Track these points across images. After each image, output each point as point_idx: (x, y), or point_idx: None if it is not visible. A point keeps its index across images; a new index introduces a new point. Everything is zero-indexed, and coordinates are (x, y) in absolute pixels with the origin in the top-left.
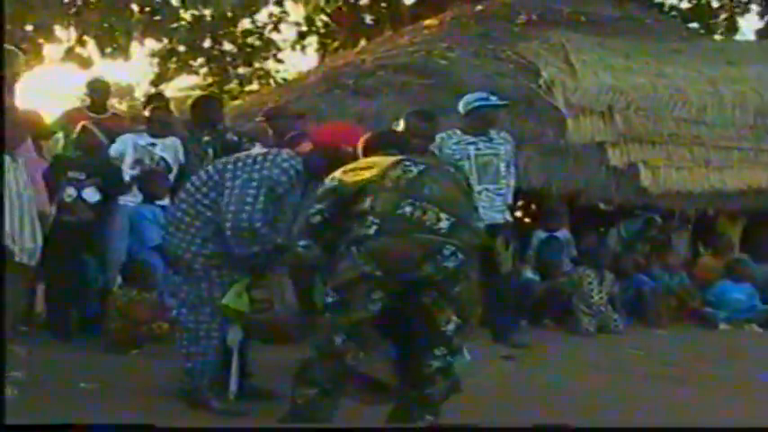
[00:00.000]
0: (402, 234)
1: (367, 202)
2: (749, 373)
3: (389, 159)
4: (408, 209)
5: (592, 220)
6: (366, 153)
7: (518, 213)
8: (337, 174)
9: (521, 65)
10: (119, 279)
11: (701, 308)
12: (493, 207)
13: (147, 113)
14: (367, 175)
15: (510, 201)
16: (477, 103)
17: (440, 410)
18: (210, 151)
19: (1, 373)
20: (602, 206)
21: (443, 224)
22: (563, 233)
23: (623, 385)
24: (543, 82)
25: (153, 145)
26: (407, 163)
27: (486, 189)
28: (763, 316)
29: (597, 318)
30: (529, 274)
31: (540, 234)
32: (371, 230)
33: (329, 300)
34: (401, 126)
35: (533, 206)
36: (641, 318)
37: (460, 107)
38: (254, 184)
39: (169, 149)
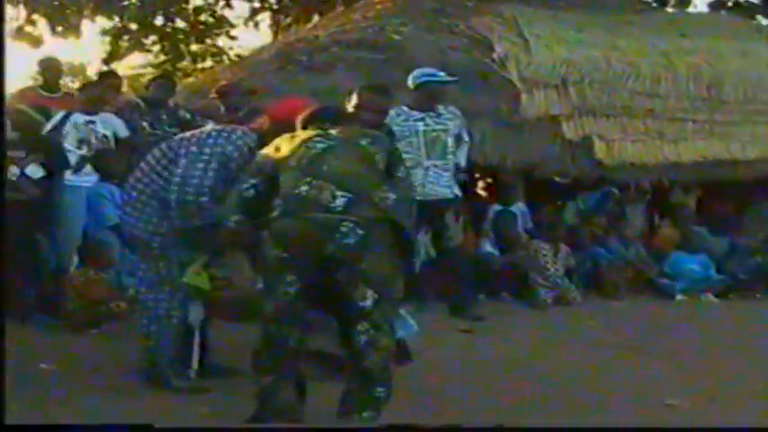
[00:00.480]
0: (298, 215)
1: (279, 181)
2: (704, 343)
3: (303, 135)
4: (304, 188)
5: (549, 193)
6: (304, 128)
7: (474, 188)
8: (267, 149)
9: (474, 39)
10: (76, 259)
11: (658, 279)
12: (440, 182)
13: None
14: (283, 152)
15: (463, 165)
16: (424, 79)
17: (389, 381)
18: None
19: (1, 373)
20: (557, 179)
21: (339, 201)
22: (518, 207)
23: (580, 356)
24: (497, 56)
25: (92, 122)
26: (317, 139)
27: (435, 165)
28: (719, 286)
29: (554, 290)
30: (487, 247)
31: (496, 208)
32: (277, 212)
33: (258, 286)
34: (354, 100)
35: (489, 180)
36: (598, 289)
37: (409, 82)
38: (205, 158)
39: (107, 125)
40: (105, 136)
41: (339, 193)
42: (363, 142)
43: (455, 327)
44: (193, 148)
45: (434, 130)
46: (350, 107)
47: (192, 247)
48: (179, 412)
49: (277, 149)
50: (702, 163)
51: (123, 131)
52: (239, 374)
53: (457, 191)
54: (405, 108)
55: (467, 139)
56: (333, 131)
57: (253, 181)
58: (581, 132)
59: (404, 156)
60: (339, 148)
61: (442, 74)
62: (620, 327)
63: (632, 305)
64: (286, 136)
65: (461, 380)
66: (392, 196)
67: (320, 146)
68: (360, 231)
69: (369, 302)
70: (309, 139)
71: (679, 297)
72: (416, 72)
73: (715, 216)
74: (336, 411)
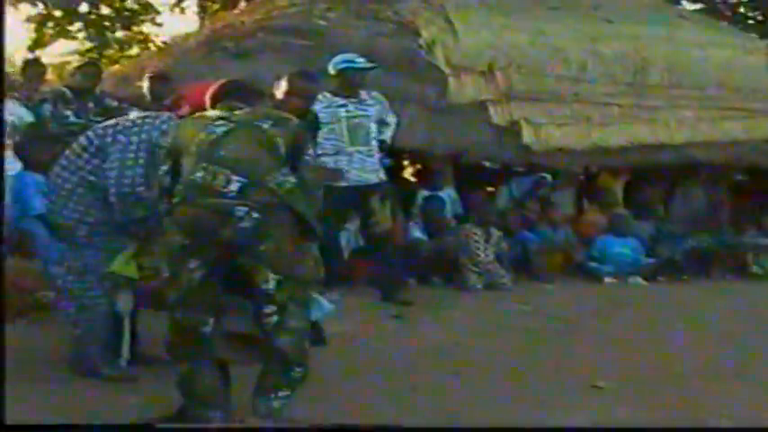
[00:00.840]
0: (195, 201)
1: (182, 166)
2: (632, 325)
3: (206, 118)
4: (200, 174)
5: (481, 179)
6: (212, 105)
7: (403, 174)
8: (175, 131)
9: (401, 25)
10: None
11: (587, 263)
12: (365, 168)
13: None
14: (188, 135)
15: (388, 143)
16: (343, 65)
17: (305, 361)
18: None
19: (1, 373)
20: (486, 164)
21: (233, 186)
22: (447, 192)
23: (511, 340)
24: (424, 42)
25: None
26: (218, 122)
27: (359, 151)
28: (647, 269)
29: (485, 275)
30: (416, 233)
31: (424, 193)
32: (177, 198)
33: (165, 273)
34: (283, 86)
35: (418, 166)
36: (528, 273)
37: (330, 69)
38: (133, 147)
39: (11, 113)
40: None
41: (234, 177)
42: (265, 125)
43: (386, 313)
44: (121, 137)
45: (357, 116)
46: (279, 93)
47: (124, 236)
48: (108, 402)
49: (183, 131)
50: (629, 147)
51: (28, 118)
52: (169, 364)
53: (383, 176)
54: (327, 94)
55: (391, 120)
56: (237, 113)
57: (165, 167)
58: (509, 118)
59: (327, 142)
60: (238, 132)
61: (361, 60)
62: (549, 310)
63: (561, 289)
64: (191, 117)
65: (394, 366)
66: (291, 180)
67: (220, 129)
68: (255, 215)
69: (271, 285)
70: (211, 122)
71: (607, 280)
72: (337, 58)
73: (642, 200)
74: (252, 392)
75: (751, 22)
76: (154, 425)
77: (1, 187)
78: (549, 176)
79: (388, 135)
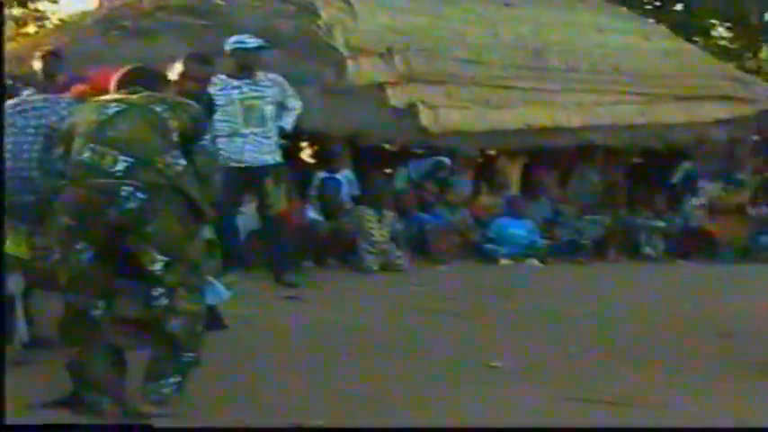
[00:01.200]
0: (82, 181)
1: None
2: (528, 306)
3: (101, 100)
4: (87, 154)
5: (380, 160)
6: (116, 90)
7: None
8: (72, 115)
9: (300, 6)
10: None
11: (483, 244)
12: (261, 150)
13: None
14: (82, 118)
15: (288, 129)
16: (234, 46)
17: (197, 346)
18: None
19: (1, 373)
20: (386, 146)
21: (120, 166)
22: (344, 174)
23: (407, 321)
24: (322, 23)
25: None
26: (112, 104)
27: (253, 132)
28: (542, 251)
29: (381, 256)
30: (312, 214)
31: (321, 175)
32: (66, 180)
33: (56, 255)
34: (178, 69)
35: (315, 147)
36: (424, 255)
37: (225, 49)
38: (32, 131)
39: None
40: None
41: (121, 157)
42: (158, 108)
43: (282, 295)
44: (18, 119)
45: (251, 98)
46: (173, 76)
47: (17, 219)
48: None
49: (79, 115)
50: (527, 130)
51: None
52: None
53: (278, 158)
54: (222, 76)
55: (294, 105)
56: (132, 97)
57: (59, 151)
58: (407, 100)
59: (222, 124)
60: (130, 113)
61: (252, 40)
62: (446, 291)
63: (458, 270)
64: (89, 102)
65: (290, 347)
66: (182, 163)
67: (111, 111)
68: (141, 196)
69: (158, 267)
70: (104, 104)
71: (503, 262)
72: (230, 39)
73: (539, 182)
74: (143, 378)
75: (648, 6)
76: (153, 425)
77: (1, 181)
78: (446, 159)
79: (288, 121)
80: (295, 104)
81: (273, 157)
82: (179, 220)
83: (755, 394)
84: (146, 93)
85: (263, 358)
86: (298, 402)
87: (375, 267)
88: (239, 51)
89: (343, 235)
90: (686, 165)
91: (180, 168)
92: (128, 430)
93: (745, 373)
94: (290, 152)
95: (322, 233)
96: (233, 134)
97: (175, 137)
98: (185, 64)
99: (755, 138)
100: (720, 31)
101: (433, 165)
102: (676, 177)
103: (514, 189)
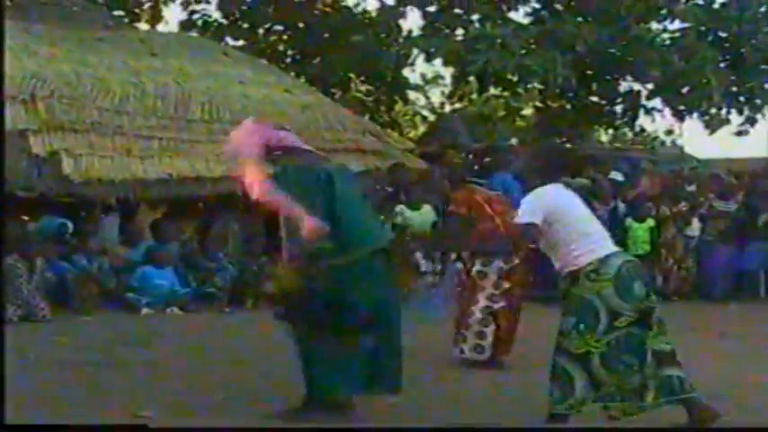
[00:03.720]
0: None
1: None
2: (171, 354)
3: None
4: None
5: (20, 208)
6: None
7: None
8: None
9: None
10: None
11: (125, 294)
12: None
13: None
14: None
15: None
16: None
17: None
18: None
19: (1, 373)
20: (20, 194)
21: None
22: None
23: (51, 375)
24: None
25: None
26: None
27: None
28: (183, 299)
29: (23, 307)
30: None
31: None
32: None
33: None
34: None
35: None
36: (66, 305)
37: None
38: None
39: None
40: None
41: None
42: None
43: None
44: None
45: None
46: None
47: None
48: None
49: None
50: (168, 180)
51: None
52: None
53: None
54: None
55: None
56: None
57: None
58: (49, 148)
59: None
60: None
61: None
62: (88, 342)
63: (100, 320)
64: None
65: None
66: None
67: None
68: None
69: None
70: None
71: (145, 311)
72: None
73: (169, 232)
74: None
75: (289, 60)
76: (148, 425)
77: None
78: (69, 223)
79: None
80: None
81: None
82: None
83: None
84: None
85: None
86: None
87: (15, 319)
88: None
89: None
90: None
91: None
92: (127, 430)
93: None
94: None
95: None
96: None
97: None
98: None
99: (389, 189)
100: (357, 84)
101: (58, 226)
102: None
103: (148, 238)
